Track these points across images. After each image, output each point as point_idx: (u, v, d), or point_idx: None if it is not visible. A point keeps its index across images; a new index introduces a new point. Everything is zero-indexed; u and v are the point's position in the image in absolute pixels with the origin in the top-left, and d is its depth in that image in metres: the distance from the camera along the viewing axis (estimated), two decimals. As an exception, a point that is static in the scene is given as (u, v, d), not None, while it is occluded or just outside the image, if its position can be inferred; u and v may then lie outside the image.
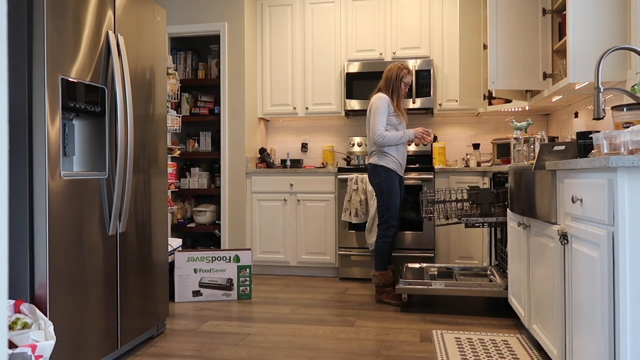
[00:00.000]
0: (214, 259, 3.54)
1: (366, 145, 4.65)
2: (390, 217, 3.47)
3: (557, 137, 3.68)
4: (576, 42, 2.72)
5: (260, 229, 4.38)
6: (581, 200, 1.72)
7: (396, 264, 4.07)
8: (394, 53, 4.47)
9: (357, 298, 3.59)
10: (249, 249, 3.62)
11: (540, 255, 2.24)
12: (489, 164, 4.18)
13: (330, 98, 4.57)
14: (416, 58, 4.39)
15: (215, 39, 4.65)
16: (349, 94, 4.45)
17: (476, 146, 4.39)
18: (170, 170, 3.93)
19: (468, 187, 3.34)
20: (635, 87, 2.15)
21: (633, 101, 2.12)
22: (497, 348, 2.53)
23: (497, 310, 3.21)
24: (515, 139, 3.39)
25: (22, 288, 1.90)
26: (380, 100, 3.44)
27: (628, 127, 1.86)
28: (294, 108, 4.66)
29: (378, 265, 3.52)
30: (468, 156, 4.52)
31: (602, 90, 2.02)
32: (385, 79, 3.53)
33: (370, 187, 4.00)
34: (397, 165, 3.48)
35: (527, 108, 4.05)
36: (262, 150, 4.62)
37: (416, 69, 4.32)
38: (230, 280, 3.56)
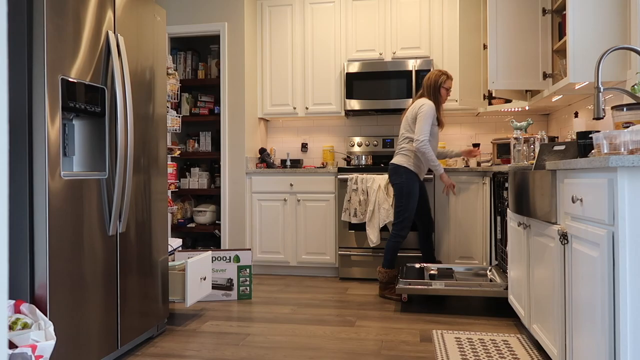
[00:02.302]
0: (214, 259, 3.54)
1: (366, 145, 4.65)
2: (406, 219, 3.56)
3: (557, 137, 3.68)
4: (576, 42, 2.72)
5: (260, 229, 4.38)
6: (581, 200, 1.72)
7: (397, 263, 4.06)
8: (394, 53, 4.47)
9: (357, 298, 3.59)
10: (249, 249, 3.62)
11: (541, 255, 2.24)
12: (489, 164, 4.18)
13: (330, 98, 4.57)
14: (416, 58, 4.39)
15: (215, 39, 4.65)
16: (349, 94, 4.45)
17: (476, 146, 4.39)
18: (170, 170, 3.93)
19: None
20: (635, 87, 2.15)
21: (633, 101, 2.12)
22: (497, 348, 2.53)
23: (497, 310, 3.21)
24: (515, 139, 3.39)
25: (22, 288, 1.90)
26: (429, 107, 3.48)
27: (628, 127, 1.85)
28: (294, 108, 4.66)
29: (386, 263, 3.59)
30: (468, 156, 4.52)
31: (602, 90, 2.02)
32: (425, 87, 3.58)
33: (368, 186, 3.99)
34: (419, 169, 3.58)
35: (527, 108, 4.05)
36: (262, 150, 4.62)
37: (416, 69, 4.32)
38: (230, 280, 3.56)
